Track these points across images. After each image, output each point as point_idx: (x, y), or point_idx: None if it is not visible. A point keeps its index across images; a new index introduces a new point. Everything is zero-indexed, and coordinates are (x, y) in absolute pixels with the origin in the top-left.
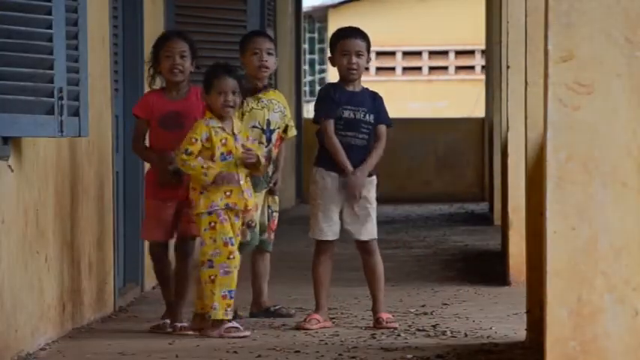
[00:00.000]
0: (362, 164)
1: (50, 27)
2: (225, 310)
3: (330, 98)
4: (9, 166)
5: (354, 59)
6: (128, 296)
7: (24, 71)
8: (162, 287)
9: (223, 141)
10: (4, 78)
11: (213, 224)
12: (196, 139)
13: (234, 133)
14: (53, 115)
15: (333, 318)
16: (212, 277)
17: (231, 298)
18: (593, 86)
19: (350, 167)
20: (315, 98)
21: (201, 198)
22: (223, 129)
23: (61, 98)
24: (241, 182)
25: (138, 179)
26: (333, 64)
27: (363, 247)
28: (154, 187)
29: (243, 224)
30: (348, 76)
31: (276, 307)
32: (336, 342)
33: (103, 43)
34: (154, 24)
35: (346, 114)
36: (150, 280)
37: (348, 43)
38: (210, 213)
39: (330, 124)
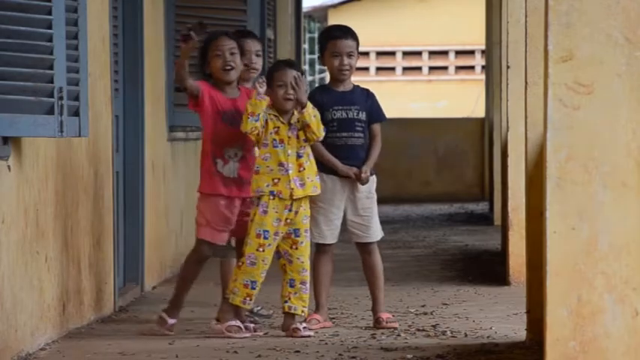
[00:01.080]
0: (365, 162)
1: (50, 27)
2: (244, 299)
3: (312, 102)
4: (8, 166)
5: (346, 60)
6: (128, 296)
7: (24, 71)
8: (184, 289)
9: (276, 129)
10: (4, 78)
11: (254, 214)
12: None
13: (290, 123)
14: (53, 115)
15: (333, 318)
16: (240, 264)
17: (252, 288)
18: (593, 86)
19: (340, 164)
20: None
21: (252, 181)
22: (277, 117)
23: (61, 98)
24: (290, 171)
25: (138, 179)
26: (323, 64)
27: (363, 247)
28: (221, 182)
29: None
30: (339, 76)
31: (258, 308)
32: (336, 342)
33: (103, 43)
34: (153, 24)
35: (338, 114)
36: (150, 280)
37: (338, 44)
38: (258, 199)
39: None
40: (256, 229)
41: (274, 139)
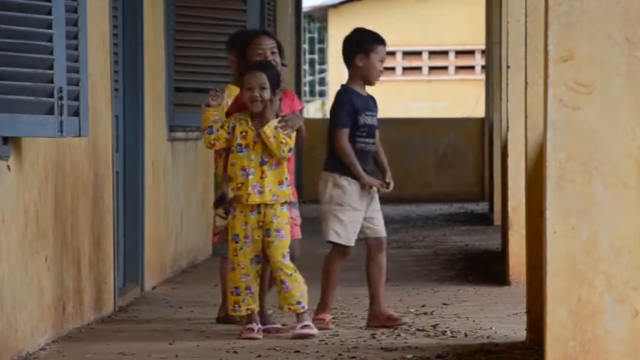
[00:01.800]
0: (386, 170)
1: (50, 27)
2: (233, 306)
3: (350, 105)
4: (8, 166)
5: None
6: (128, 296)
7: (24, 71)
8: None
9: (243, 133)
10: (4, 78)
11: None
12: (223, 125)
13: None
14: (53, 115)
15: (334, 318)
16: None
17: (237, 295)
18: (593, 86)
19: (366, 177)
20: (334, 102)
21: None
22: (247, 122)
23: (61, 98)
24: (250, 176)
25: (138, 179)
26: (354, 64)
27: (378, 243)
28: None
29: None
30: (374, 81)
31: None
32: (336, 342)
33: (103, 43)
34: (153, 24)
35: (368, 120)
36: (150, 280)
37: (383, 50)
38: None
39: (345, 134)
40: (230, 233)
41: (239, 144)
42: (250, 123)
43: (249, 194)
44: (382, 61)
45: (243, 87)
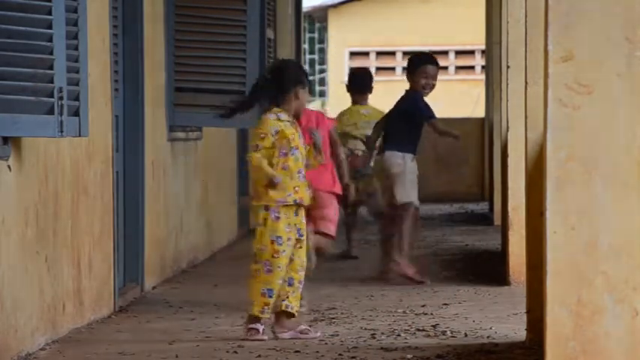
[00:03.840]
0: None
1: (50, 27)
2: (262, 308)
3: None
4: (8, 166)
5: None
6: (128, 296)
7: (24, 71)
8: None
9: (292, 136)
10: (4, 78)
11: (265, 219)
12: (265, 134)
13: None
14: (53, 115)
15: (334, 318)
16: (255, 274)
17: (269, 297)
18: (593, 86)
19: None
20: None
21: (271, 191)
22: (292, 123)
23: (61, 98)
24: (305, 178)
25: (138, 179)
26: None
27: None
28: None
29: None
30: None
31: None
32: (336, 342)
33: (103, 43)
34: (153, 24)
35: None
36: (150, 280)
37: None
38: (266, 208)
39: None
40: (270, 235)
41: (292, 147)
42: (296, 125)
43: (308, 195)
44: None
45: (297, 90)
